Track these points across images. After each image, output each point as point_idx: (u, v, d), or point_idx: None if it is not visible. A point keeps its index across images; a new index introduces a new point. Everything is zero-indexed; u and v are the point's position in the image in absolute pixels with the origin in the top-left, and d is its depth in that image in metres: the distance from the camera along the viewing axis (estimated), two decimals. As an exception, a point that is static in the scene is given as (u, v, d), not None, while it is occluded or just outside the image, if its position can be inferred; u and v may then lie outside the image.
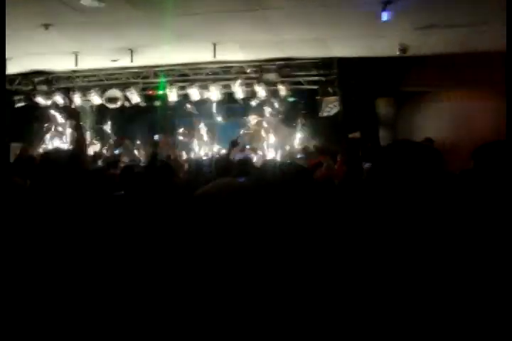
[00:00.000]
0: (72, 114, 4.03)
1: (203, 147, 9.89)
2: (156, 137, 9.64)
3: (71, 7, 6.11)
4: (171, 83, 9.85)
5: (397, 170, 1.87)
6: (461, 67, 7.90)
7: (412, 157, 1.89)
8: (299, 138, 9.40)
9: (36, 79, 10.11)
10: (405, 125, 9.13)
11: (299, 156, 7.77)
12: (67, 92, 10.23)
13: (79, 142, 3.62)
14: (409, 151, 1.93)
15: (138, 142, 10.14)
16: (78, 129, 3.76)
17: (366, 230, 1.89)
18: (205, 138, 10.03)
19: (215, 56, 8.20)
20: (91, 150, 8.58)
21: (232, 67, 9.51)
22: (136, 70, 9.86)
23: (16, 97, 10.16)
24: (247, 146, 8.51)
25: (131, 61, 8.59)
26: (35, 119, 10.50)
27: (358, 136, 8.70)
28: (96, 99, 10.14)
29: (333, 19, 6.69)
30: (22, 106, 10.31)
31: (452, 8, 6.02)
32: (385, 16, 6.10)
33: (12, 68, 9.20)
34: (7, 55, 8.82)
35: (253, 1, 5.96)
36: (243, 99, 9.73)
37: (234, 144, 5.78)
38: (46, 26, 6.84)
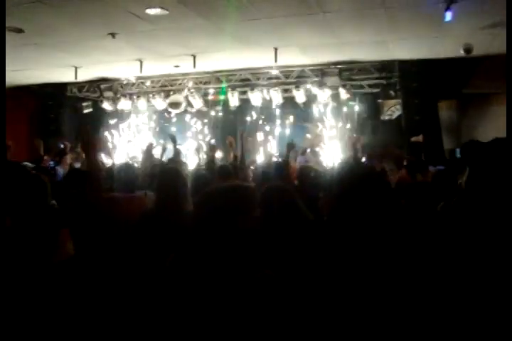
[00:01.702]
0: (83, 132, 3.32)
1: (262, 151, 9.95)
2: (213, 141, 9.76)
3: (137, 16, 6.31)
4: (232, 88, 9.98)
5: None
6: (528, 67, 7.63)
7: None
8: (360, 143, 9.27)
9: (103, 86, 10.47)
10: (469, 128, 8.89)
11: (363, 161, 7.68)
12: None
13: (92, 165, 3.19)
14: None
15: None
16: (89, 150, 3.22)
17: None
18: (265, 142, 10.08)
19: (276, 61, 8.25)
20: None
21: (293, 71, 9.56)
22: (199, 76, 10.05)
23: (84, 103, 10.54)
24: (308, 150, 8.49)
25: (194, 67, 8.77)
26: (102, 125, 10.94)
27: (421, 139, 8.54)
28: (159, 104, 10.38)
29: (394, 21, 6.61)
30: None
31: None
32: (448, 16, 5.97)
33: (81, 76, 9.57)
34: (77, 64, 9.21)
35: (314, 4, 5.97)
36: (304, 103, 9.73)
37: (290, 147, 5.76)
38: (113, 35, 7.08)
